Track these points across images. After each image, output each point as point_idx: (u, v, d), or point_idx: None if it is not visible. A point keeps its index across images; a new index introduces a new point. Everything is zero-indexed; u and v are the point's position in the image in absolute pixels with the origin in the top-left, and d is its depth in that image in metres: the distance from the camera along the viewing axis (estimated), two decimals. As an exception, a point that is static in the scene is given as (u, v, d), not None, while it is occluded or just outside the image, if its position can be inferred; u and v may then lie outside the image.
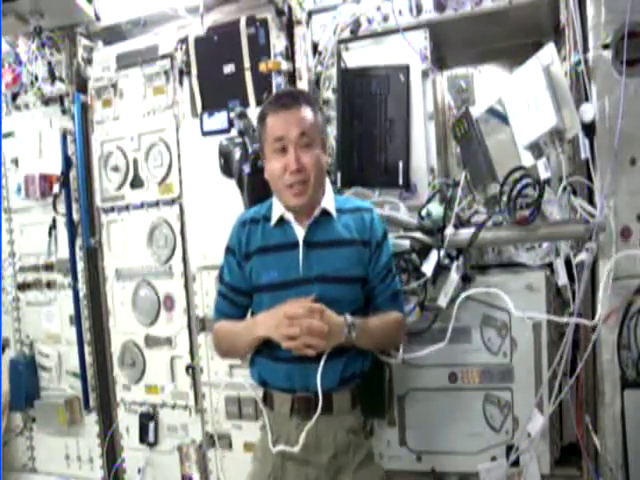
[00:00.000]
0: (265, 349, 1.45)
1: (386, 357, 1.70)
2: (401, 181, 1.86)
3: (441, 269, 1.70)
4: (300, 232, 1.44)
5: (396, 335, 1.56)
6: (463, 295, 1.67)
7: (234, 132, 1.96)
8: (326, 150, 1.51)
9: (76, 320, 2.41)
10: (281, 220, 1.47)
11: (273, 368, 1.45)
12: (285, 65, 1.96)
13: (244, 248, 1.48)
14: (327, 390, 1.37)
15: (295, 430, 1.42)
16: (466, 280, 1.76)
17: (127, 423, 2.41)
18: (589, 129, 1.57)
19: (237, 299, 1.53)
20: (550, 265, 1.72)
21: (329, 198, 1.48)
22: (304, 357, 1.37)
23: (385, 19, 1.88)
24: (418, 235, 1.72)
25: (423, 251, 1.71)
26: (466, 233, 1.68)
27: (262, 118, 1.45)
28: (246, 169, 1.74)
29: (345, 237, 1.45)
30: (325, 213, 1.46)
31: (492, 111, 1.71)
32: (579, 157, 1.63)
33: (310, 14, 1.97)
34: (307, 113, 1.41)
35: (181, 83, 2.19)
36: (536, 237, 1.63)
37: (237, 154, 1.81)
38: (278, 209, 1.47)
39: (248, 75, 2.03)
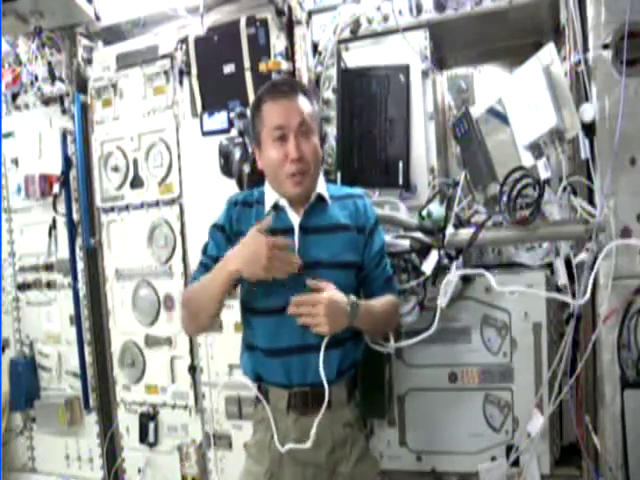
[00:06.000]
0: (259, 343, 1.45)
1: (379, 346, 1.66)
2: (401, 181, 1.86)
3: (441, 269, 1.69)
4: (295, 218, 1.44)
5: (393, 318, 1.57)
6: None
7: (234, 132, 1.97)
8: (322, 139, 1.51)
9: (76, 320, 2.41)
10: (274, 206, 1.46)
11: (269, 363, 1.44)
12: (285, 65, 1.96)
13: (235, 225, 1.47)
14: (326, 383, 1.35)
15: (293, 425, 1.41)
16: (466, 280, 1.76)
17: (127, 423, 2.41)
18: (589, 129, 1.56)
19: None
20: (550, 265, 1.72)
21: (322, 185, 1.49)
22: (302, 348, 1.37)
23: (385, 19, 1.88)
24: (418, 235, 1.72)
25: (423, 251, 1.71)
26: (466, 233, 1.67)
27: (258, 105, 1.44)
28: (246, 169, 1.75)
29: (340, 223, 1.46)
30: (319, 199, 1.47)
31: (492, 111, 1.71)
32: (579, 157, 1.62)
33: (310, 14, 1.98)
34: (305, 102, 1.42)
35: (181, 83, 2.19)
36: (536, 237, 1.62)
37: (237, 154, 1.82)
38: (271, 196, 1.47)
39: (248, 75, 2.03)
